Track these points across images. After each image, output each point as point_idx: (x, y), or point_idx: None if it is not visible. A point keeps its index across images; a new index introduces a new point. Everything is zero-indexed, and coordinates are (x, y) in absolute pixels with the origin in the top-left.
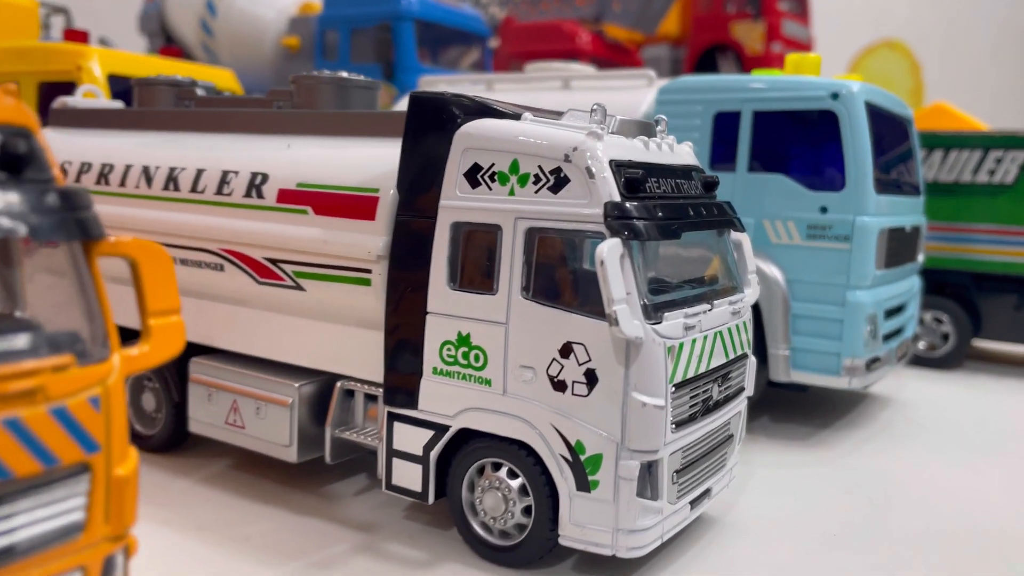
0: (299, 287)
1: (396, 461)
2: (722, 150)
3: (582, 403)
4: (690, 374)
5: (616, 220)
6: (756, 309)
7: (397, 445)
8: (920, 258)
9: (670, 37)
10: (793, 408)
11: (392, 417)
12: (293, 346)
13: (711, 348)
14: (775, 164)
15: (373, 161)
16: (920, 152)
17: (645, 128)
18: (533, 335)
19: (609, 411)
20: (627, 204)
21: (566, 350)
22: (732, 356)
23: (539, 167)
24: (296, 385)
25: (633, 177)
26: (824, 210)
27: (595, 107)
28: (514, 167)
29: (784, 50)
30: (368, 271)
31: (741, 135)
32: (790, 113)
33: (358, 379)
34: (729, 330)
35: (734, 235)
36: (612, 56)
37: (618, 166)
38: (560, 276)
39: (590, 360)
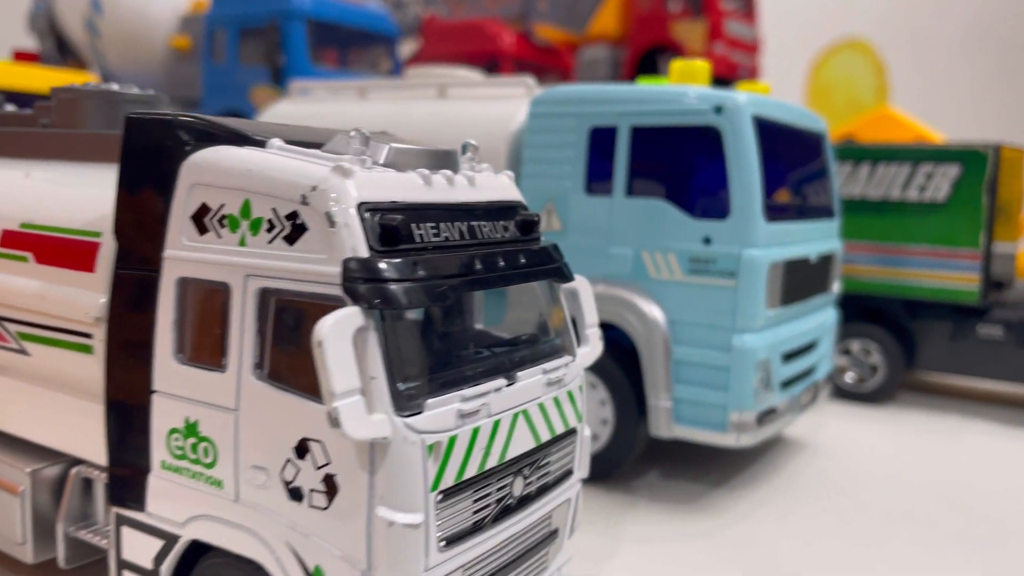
0: (23, 351)
1: (127, 574)
2: (599, 171)
3: (321, 518)
4: (470, 473)
5: (359, 283)
6: (634, 355)
7: (126, 554)
8: (835, 288)
9: (609, 37)
10: (689, 459)
11: (120, 519)
12: (28, 420)
13: (508, 434)
14: (655, 188)
15: (108, 196)
16: (836, 169)
17: (440, 158)
18: (266, 427)
19: (352, 530)
20: (377, 261)
21: (302, 448)
22: (548, 437)
23: (273, 210)
24: (28, 469)
25: (391, 224)
26: (707, 241)
27: (354, 132)
28: (246, 210)
29: (727, 51)
30: (88, 335)
31: (618, 154)
32: (670, 129)
33: (96, 465)
34: (542, 406)
35: (569, 284)
36: (538, 58)
37: (372, 210)
38: (297, 352)
39: (329, 463)
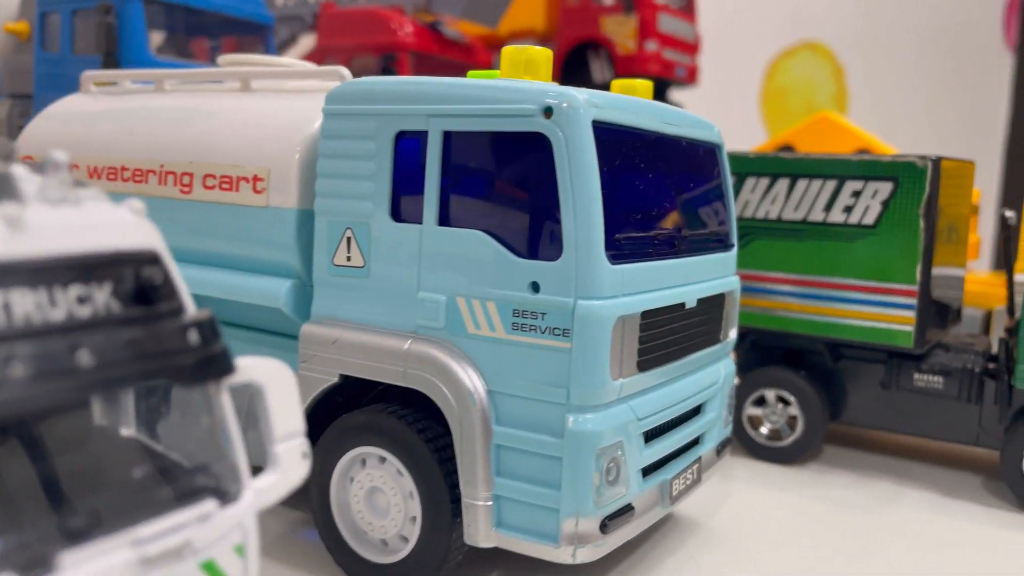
0: None
1: None
2: (408, 190)
3: None
4: None
5: None
6: (448, 435)
7: None
8: (731, 336)
9: (535, 32)
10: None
11: None
12: None
13: None
14: (473, 214)
15: None
16: (732, 189)
17: None
18: None
19: None
20: None
21: None
22: None
23: None
24: None
25: None
26: (536, 288)
27: None
28: None
29: (661, 49)
30: None
31: (428, 168)
32: (491, 136)
33: None
34: None
35: (244, 377)
36: (446, 52)
37: None
38: None
39: None
